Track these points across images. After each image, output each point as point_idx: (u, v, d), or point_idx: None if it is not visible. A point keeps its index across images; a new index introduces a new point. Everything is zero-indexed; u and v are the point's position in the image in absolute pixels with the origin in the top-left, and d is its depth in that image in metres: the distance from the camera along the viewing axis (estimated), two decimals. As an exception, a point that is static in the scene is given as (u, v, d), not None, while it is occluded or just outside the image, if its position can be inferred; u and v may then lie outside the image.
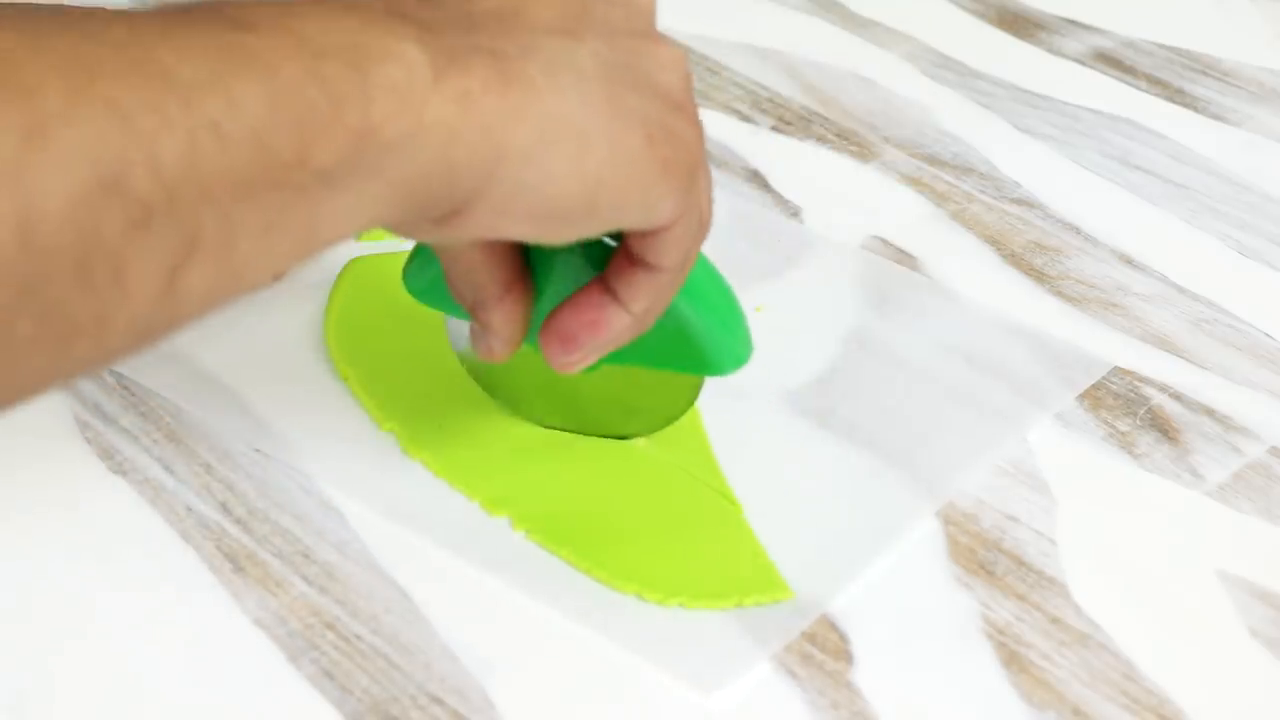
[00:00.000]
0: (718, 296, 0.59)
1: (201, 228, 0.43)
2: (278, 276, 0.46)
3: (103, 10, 0.44)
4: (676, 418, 0.62)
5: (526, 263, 0.57)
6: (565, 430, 0.63)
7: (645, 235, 0.53)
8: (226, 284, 0.45)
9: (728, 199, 0.76)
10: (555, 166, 0.49)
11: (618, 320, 0.55)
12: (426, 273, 0.58)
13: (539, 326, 0.56)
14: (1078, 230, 0.75)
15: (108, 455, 0.62)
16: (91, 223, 0.41)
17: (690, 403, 0.62)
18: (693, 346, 0.58)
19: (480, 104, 0.47)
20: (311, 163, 0.44)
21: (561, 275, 0.56)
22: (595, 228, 0.51)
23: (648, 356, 0.58)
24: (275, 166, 0.44)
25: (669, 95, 0.52)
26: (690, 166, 0.52)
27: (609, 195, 0.50)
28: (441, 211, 0.49)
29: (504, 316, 0.57)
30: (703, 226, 0.54)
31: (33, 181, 0.40)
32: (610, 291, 0.55)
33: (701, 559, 0.59)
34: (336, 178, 0.45)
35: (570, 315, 0.55)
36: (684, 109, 0.52)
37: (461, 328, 0.62)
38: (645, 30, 0.53)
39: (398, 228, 0.50)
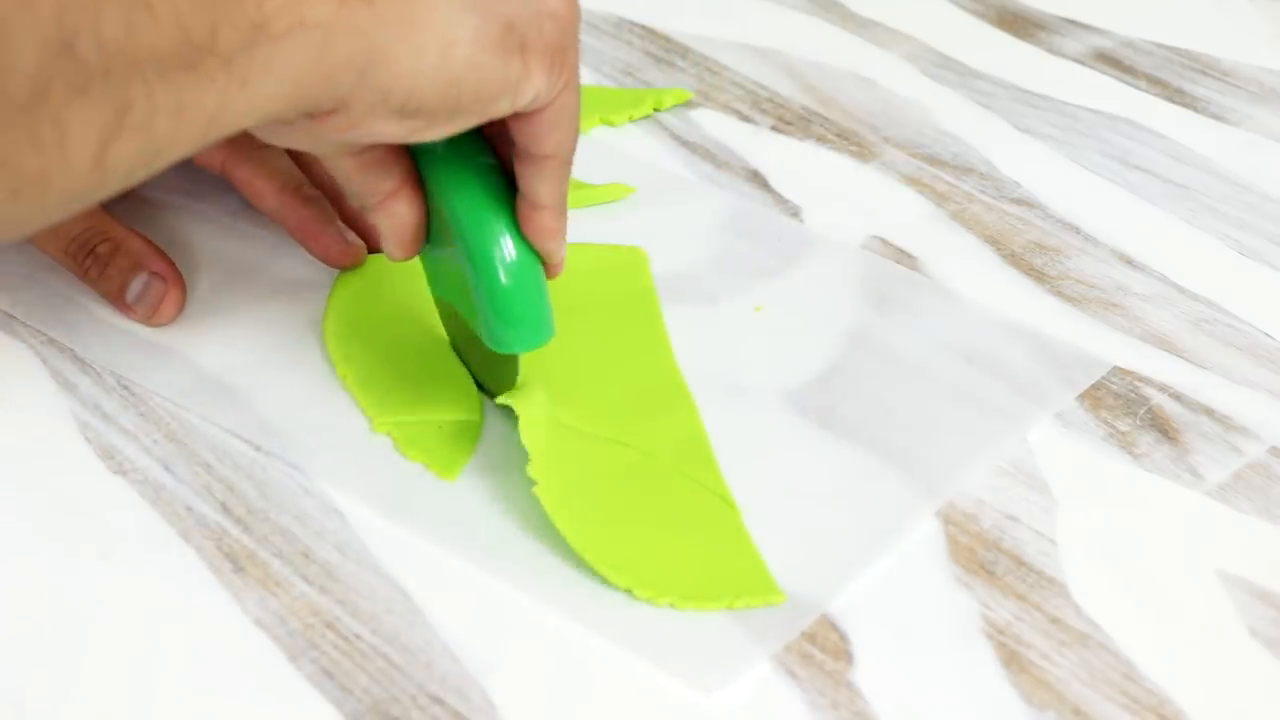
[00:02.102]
0: (521, 274, 0.60)
1: (130, 102, 0.49)
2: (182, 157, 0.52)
3: None
4: (507, 387, 0.63)
5: (415, 169, 0.60)
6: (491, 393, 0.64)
7: (522, 124, 0.58)
8: (145, 159, 0.50)
9: (728, 199, 0.76)
10: (420, 65, 0.54)
11: (540, 219, 0.59)
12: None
13: (439, 231, 0.60)
14: (1078, 230, 0.75)
15: (108, 455, 0.62)
16: (45, 81, 0.47)
17: (513, 374, 0.63)
18: (483, 316, 0.60)
19: (353, 8, 0.53)
20: (218, 48, 0.50)
21: (448, 177, 0.59)
22: (464, 123, 0.57)
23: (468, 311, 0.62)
24: (190, 48, 0.50)
25: None
26: (555, 48, 0.57)
27: (471, 89, 0.55)
28: (321, 108, 0.54)
29: (390, 220, 0.61)
30: (577, 110, 0.59)
31: (13, 32, 0.46)
32: (522, 195, 0.60)
33: (695, 560, 0.59)
34: (236, 66, 0.51)
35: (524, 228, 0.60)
36: None
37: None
38: None
39: (283, 129, 0.56)
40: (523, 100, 0.57)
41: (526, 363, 0.62)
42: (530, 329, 0.60)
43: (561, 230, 0.60)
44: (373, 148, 0.59)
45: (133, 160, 0.50)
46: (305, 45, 0.52)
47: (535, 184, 0.59)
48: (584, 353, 0.66)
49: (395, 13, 0.53)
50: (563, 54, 0.57)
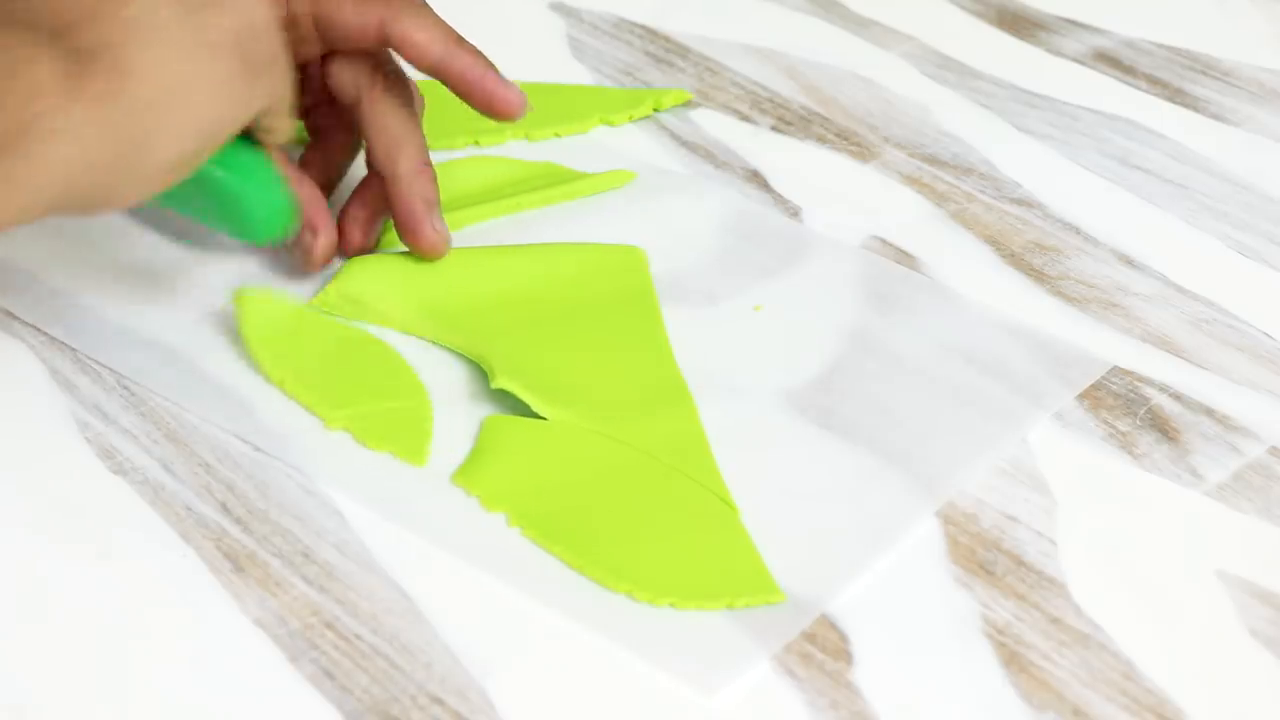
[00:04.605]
0: (251, 170, 0.64)
1: None
2: None
3: None
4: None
5: None
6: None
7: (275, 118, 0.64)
8: None
9: (728, 199, 0.76)
10: (174, 135, 0.59)
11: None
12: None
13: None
14: (1078, 230, 0.75)
15: (108, 455, 0.62)
16: None
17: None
18: (224, 210, 0.64)
19: (103, 106, 0.56)
20: None
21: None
22: (221, 145, 0.61)
23: (198, 213, 0.66)
24: None
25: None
26: (271, 54, 0.61)
27: (224, 128, 0.61)
28: (95, 205, 0.59)
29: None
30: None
31: None
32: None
33: (694, 560, 0.59)
34: (4, 165, 0.55)
35: None
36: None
37: None
38: None
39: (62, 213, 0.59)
40: (267, 108, 0.63)
41: (527, 357, 0.62)
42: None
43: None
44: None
45: None
46: (71, 145, 0.56)
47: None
48: (583, 352, 0.66)
49: (133, 99, 0.57)
50: (276, 59, 0.62)
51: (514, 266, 0.70)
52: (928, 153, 0.80)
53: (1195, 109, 0.84)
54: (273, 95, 0.62)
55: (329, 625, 0.56)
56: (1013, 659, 0.56)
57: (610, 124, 0.80)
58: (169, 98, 0.58)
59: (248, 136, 0.64)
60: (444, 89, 0.68)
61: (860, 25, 0.90)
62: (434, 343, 0.67)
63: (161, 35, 0.58)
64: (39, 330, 0.67)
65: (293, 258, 0.69)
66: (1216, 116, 0.83)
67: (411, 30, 0.67)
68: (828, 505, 0.61)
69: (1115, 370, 0.67)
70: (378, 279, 0.68)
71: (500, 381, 0.63)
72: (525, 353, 0.65)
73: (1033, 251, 0.74)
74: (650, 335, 0.67)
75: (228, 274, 0.70)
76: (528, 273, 0.69)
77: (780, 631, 0.56)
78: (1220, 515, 0.62)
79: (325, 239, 0.68)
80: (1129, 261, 0.74)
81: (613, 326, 0.68)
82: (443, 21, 0.68)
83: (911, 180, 0.78)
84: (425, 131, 0.69)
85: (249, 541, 0.59)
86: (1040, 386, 0.66)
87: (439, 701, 0.54)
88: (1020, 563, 0.59)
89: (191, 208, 0.66)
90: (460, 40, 0.67)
